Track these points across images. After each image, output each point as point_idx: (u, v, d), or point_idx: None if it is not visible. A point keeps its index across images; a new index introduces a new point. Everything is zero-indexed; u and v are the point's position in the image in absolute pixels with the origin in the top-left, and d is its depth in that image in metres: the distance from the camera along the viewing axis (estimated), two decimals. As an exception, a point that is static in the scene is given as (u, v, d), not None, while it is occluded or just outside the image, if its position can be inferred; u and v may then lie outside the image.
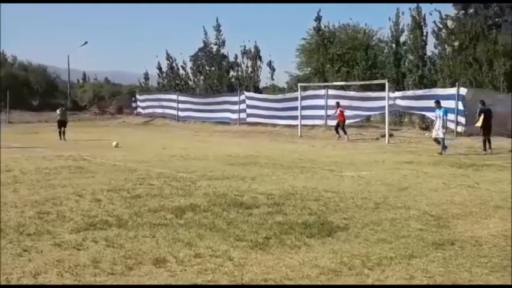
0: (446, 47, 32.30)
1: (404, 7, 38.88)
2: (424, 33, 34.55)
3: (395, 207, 10.13)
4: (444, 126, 21.58)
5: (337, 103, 30.69)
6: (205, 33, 49.10)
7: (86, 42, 64.94)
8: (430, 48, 35.08)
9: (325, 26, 42.60)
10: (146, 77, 54.77)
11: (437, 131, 21.61)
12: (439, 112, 21.69)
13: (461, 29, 31.82)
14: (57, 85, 66.31)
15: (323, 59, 41.24)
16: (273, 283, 5.89)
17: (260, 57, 44.69)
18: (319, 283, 5.90)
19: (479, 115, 23.06)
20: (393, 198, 11.08)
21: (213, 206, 10.01)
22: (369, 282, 5.94)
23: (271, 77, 44.56)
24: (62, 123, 29.59)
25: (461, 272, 6.30)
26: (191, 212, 9.47)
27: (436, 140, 21.83)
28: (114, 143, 23.66)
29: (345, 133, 28.84)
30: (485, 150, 22.58)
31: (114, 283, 5.86)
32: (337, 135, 29.36)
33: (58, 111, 30.49)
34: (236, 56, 46.54)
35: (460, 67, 31.12)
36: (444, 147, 21.34)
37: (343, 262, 6.64)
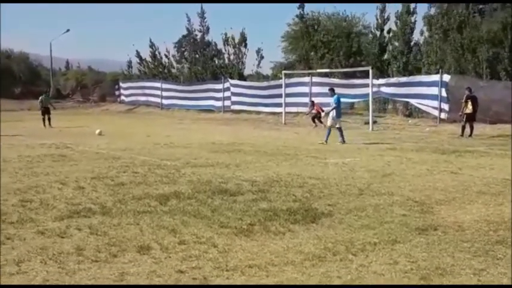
0: (436, 31, 32.24)
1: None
2: (414, 20, 34.51)
3: (379, 193, 10.17)
4: (338, 115, 20.51)
5: (312, 102, 30.79)
6: (189, 20, 48.84)
7: (68, 30, 64.37)
8: (416, 36, 35.17)
9: (307, 14, 42.55)
10: (129, 65, 54.41)
11: (330, 119, 20.58)
12: (332, 100, 20.81)
13: (447, 14, 31.81)
14: (40, 73, 65.79)
15: (307, 46, 41.19)
16: (257, 269, 5.90)
17: (246, 45, 44.45)
18: (304, 269, 5.92)
19: (466, 102, 23.18)
20: (377, 184, 11.12)
21: (198, 193, 10.00)
22: (353, 267, 5.97)
23: (258, 64, 44.43)
24: (46, 111, 29.46)
25: (444, 256, 6.35)
26: (175, 199, 9.46)
27: (329, 128, 20.54)
28: (97, 131, 23.54)
29: (321, 123, 28.71)
30: (462, 135, 22.77)
31: (98, 270, 5.84)
32: (314, 125, 29.30)
33: (41, 98, 30.37)
34: (216, 43, 46.40)
35: (446, 53, 31.17)
36: (342, 138, 20.15)
37: (327, 248, 6.67)
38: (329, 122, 20.77)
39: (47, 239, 7.05)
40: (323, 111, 29.45)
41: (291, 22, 47.84)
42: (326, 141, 19.86)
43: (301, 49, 42.92)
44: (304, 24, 42.08)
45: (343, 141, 19.99)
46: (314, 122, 29.45)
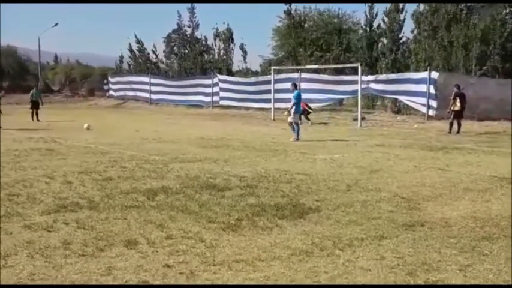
0: (424, 28, 32.36)
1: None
2: (403, 17, 34.61)
3: (366, 189, 10.20)
4: (297, 111, 20.33)
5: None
6: (179, 16, 48.76)
7: (56, 24, 63.97)
8: (406, 33, 35.29)
9: (295, 10, 42.51)
10: (121, 59, 54.21)
11: (291, 115, 20.21)
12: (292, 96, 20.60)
13: (434, 12, 31.92)
14: (28, 67, 65.44)
15: (294, 42, 41.20)
16: (244, 264, 5.91)
17: (233, 40, 44.37)
18: (291, 264, 5.93)
19: (455, 99, 23.27)
20: (365, 180, 11.16)
21: (186, 188, 9.99)
22: (340, 262, 5.98)
23: (244, 60, 44.33)
24: (35, 104, 29.38)
25: (431, 252, 6.38)
26: (163, 194, 9.44)
27: (291, 125, 20.27)
28: (85, 125, 23.45)
29: (307, 119, 28.64)
30: (450, 132, 22.87)
31: (85, 265, 5.83)
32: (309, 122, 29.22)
33: (32, 92, 30.31)
34: (206, 38, 46.25)
35: (435, 50, 31.29)
36: (297, 135, 19.80)
37: (315, 243, 6.68)
38: (289, 118, 20.41)
39: (34, 233, 7.02)
40: (310, 108, 29.50)
41: (279, 18, 47.87)
42: (298, 138, 19.65)
43: (289, 46, 42.91)
44: (291, 21, 42.04)
45: (297, 139, 19.60)
46: (300, 118, 29.24)
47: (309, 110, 29.27)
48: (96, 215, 7.96)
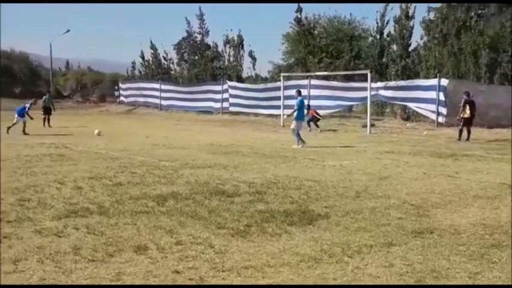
0: (435, 35, 32.33)
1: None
2: (412, 24, 34.56)
3: (375, 196, 10.20)
4: (299, 118, 20.10)
5: (308, 105, 30.00)
6: (188, 23, 48.95)
7: (68, 31, 64.35)
8: (415, 39, 35.23)
9: (305, 18, 42.52)
10: (133, 66, 54.43)
11: (293, 122, 20.15)
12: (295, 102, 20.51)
13: (445, 19, 31.89)
14: (40, 73, 65.81)
15: (304, 50, 41.22)
16: (253, 270, 5.93)
17: (243, 46, 44.45)
18: (300, 270, 5.94)
19: (464, 106, 23.24)
20: (374, 187, 11.15)
21: (195, 194, 10.02)
22: (349, 269, 5.99)
23: (253, 66, 44.41)
24: (47, 110, 29.60)
25: (440, 259, 6.37)
26: (173, 200, 9.47)
27: (294, 131, 20.15)
28: (96, 131, 23.56)
29: (317, 126, 28.61)
30: (459, 139, 22.82)
31: (95, 270, 5.87)
32: (309, 128, 29.03)
33: (44, 98, 30.53)
34: (216, 45, 46.35)
35: (445, 58, 31.25)
36: (300, 141, 19.69)
37: (324, 250, 6.69)
38: (292, 125, 20.35)
39: (44, 238, 7.06)
40: (319, 114, 29.50)
41: (291, 24, 47.92)
42: (303, 142, 19.62)
43: (299, 52, 42.93)
44: (301, 29, 42.06)
45: (298, 145, 19.54)
46: (309, 125, 29.20)
47: (318, 117, 29.30)
48: (106, 220, 8.00)
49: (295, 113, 20.15)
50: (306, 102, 30.65)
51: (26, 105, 25.38)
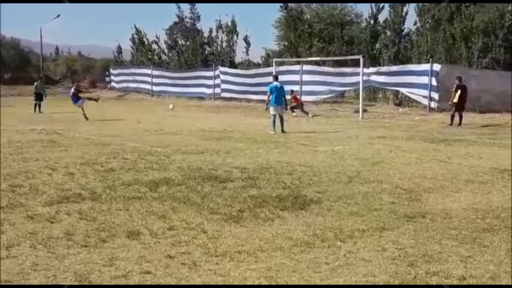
0: (427, 20, 32.24)
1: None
2: (406, 10, 34.44)
3: (368, 181, 10.22)
4: (271, 103, 20.03)
5: (291, 91, 29.74)
6: (179, 7, 48.61)
7: (58, 15, 63.81)
8: (409, 25, 35.14)
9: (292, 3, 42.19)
10: (119, 50, 53.98)
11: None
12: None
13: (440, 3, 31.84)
14: (30, 59, 65.36)
15: (293, 35, 41.04)
16: (246, 255, 5.94)
17: (236, 31, 44.16)
18: (292, 255, 5.96)
19: (456, 91, 23.26)
20: (366, 172, 11.17)
21: (187, 180, 10.02)
22: (341, 253, 6.01)
23: (246, 52, 44.17)
24: (39, 96, 29.54)
25: (432, 243, 6.40)
26: (165, 186, 9.48)
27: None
28: (171, 106, 23.29)
29: (305, 113, 28.41)
30: (451, 125, 22.86)
31: (88, 255, 5.86)
32: (293, 114, 28.58)
33: (36, 84, 30.42)
34: (211, 30, 46.02)
35: (437, 42, 31.23)
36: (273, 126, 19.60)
37: (316, 234, 6.71)
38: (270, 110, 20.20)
39: (37, 223, 7.06)
40: (298, 101, 29.23)
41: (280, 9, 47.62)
42: (274, 130, 19.46)
43: (289, 38, 42.72)
44: (288, 14, 41.82)
45: (273, 130, 19.42)
46: (293, 111, 28.60)
47: (295, 104, 28.69)
48: (98, 206, 8.00)
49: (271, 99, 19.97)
50: (291, 89, 30.28)
51: (80, 96, 25.83)
